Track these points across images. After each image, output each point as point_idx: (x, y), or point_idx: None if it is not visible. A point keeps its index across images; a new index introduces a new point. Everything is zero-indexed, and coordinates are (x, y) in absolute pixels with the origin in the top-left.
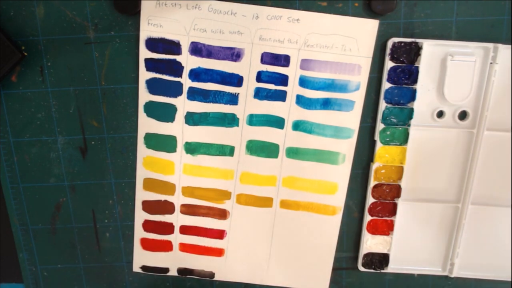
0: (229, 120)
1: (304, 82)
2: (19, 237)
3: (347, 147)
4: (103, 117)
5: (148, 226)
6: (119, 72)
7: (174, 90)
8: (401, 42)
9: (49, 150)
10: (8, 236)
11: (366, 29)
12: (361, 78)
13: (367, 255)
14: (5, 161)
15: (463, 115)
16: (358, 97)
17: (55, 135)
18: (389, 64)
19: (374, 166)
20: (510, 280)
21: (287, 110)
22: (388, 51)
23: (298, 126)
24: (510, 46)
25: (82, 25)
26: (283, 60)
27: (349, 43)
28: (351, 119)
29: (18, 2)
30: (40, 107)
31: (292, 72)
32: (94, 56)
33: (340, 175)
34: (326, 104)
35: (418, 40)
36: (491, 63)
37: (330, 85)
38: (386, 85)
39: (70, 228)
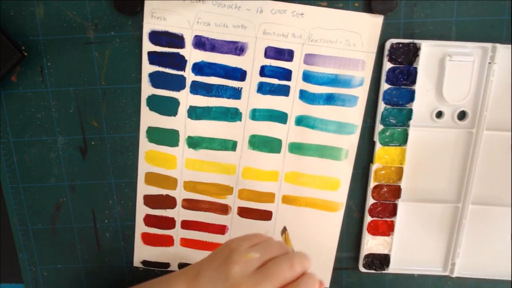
0: (232, 115)
1: (307, 77)
2: (19, 237)
3: (350, 143)
4: (103, 117)
5: (149, 220)
6: (119, 72)
7: (177, 83)
8: (399, 43)
9: (49, 150)
10: (8, 236)
11: (371, 24)
12: (365, 74)
13: (367, 256)
14: (5, 161)
15: (462, 115)
16: (362, 93)
17: (55, 135)
18: (387, 65)
19: (374, 167)
20: (510, 280)
21: (290, 105)
22: (386, 52)
23: (301, 121)
24: (508, 45)
25: (82, 25)
26: (287, 55)
27: (353, 38)
28: (354, 115)
29: (18, 2)
30: (40, 107)
31: (296, 66)
32: (94, 56)
33: (342, 171)
34: (329, 99)
35: (416, 41)
36: (489, 63)
37: (333, 80)
38: (384, 86)
39: (70, 228)
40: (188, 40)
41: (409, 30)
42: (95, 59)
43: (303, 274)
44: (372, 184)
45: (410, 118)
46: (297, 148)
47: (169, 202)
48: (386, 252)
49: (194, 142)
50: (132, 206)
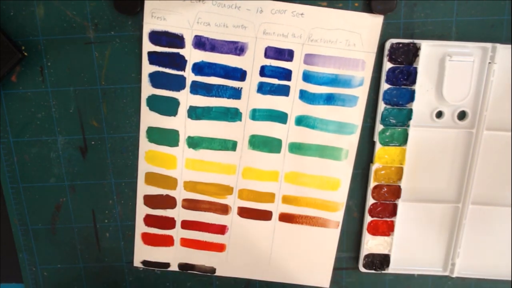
0: (232, 115)
1: (307, 77)
2: (19, 237)
3: (350, 143)
4: (103, 117)
5: (150, 220)
6: (119, 72)
7: (177, 83)
8: (399, 43)
9: (49, 150)
10: (8, 236)
11: (371, 24)
12: (365, 74)
13: (367, 256)
14: (5, 161)
15: (462, 115)
16: (362, 93)
17: (55, 135)
18: (387, 65)
19: (374, 167)
20: (510, 280)
21: (290, 105)
22: (386, 52)
23: (301, 121)
24: (508, 45)
25: (82, 25)
26: (287, 55)
27: (353, 38)
28: (355, 115)
29: (18, 2)
30: (40, 107)
31: (296, 66)
32: (94, 56)
33: (342, 171)
34: (329, 99)
35: (416, 41)
36: (489, 63)
37: (333, 80)
38: (384, 86)
39: (70, 228)
40: (188, 40)
41: (409, 30)
42: (95, 59)
43: None
44: (372, 184)
45: (410, 118)
46: (297, 148)
47: (169, 202)
48: (386, 252)
49: (194, 142)
50: (132, 206)
